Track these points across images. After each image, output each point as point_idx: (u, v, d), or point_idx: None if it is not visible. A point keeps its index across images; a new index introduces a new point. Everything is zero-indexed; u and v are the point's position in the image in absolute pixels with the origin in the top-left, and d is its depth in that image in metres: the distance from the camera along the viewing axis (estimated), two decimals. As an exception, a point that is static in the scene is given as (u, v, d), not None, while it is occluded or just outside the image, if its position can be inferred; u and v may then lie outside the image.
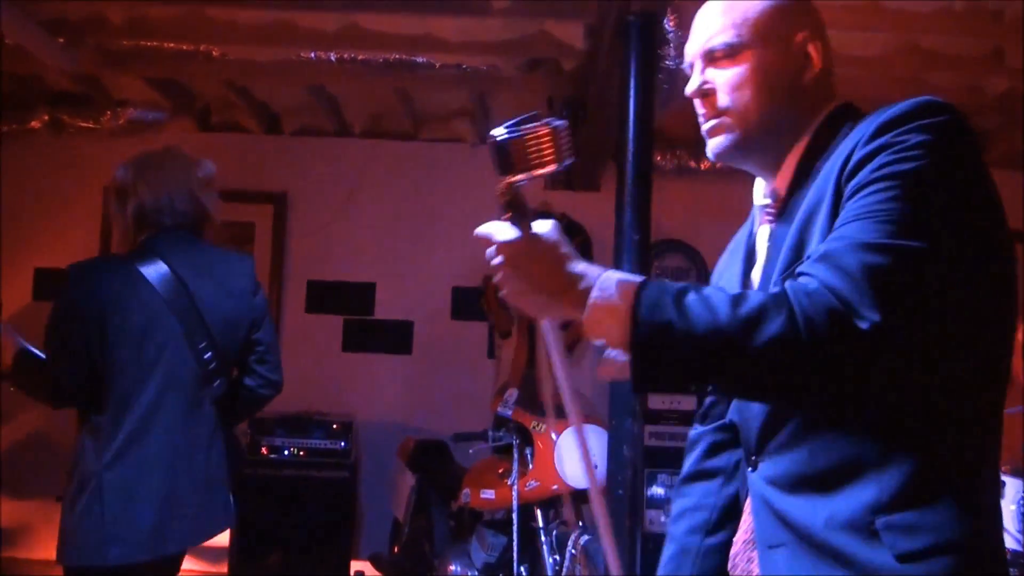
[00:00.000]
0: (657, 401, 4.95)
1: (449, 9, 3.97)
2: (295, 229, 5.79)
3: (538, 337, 1.42)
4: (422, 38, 4.31)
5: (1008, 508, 3.43)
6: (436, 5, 3.93)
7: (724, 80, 1.47)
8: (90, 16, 4.29)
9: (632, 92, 3.31)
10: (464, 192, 5.76)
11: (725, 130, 1.48)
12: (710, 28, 1.49)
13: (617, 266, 3.34)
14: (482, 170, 5.83)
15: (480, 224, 1.35)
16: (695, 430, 1.70)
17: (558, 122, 1.32)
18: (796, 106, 1.46)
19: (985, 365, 1.31)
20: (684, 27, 3.70)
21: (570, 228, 5.66)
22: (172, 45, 4.43)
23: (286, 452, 5.04)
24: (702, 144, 1.54)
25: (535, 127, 1.30)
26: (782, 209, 1.46)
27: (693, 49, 1.52)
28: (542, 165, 1.31)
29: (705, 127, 1.50)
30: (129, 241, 2.87)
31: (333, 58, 4.46)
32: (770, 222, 1.50)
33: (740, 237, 1.63)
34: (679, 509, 1.67)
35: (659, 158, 5.12)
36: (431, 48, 4.38)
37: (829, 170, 1.34)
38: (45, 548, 5.32)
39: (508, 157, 1.31)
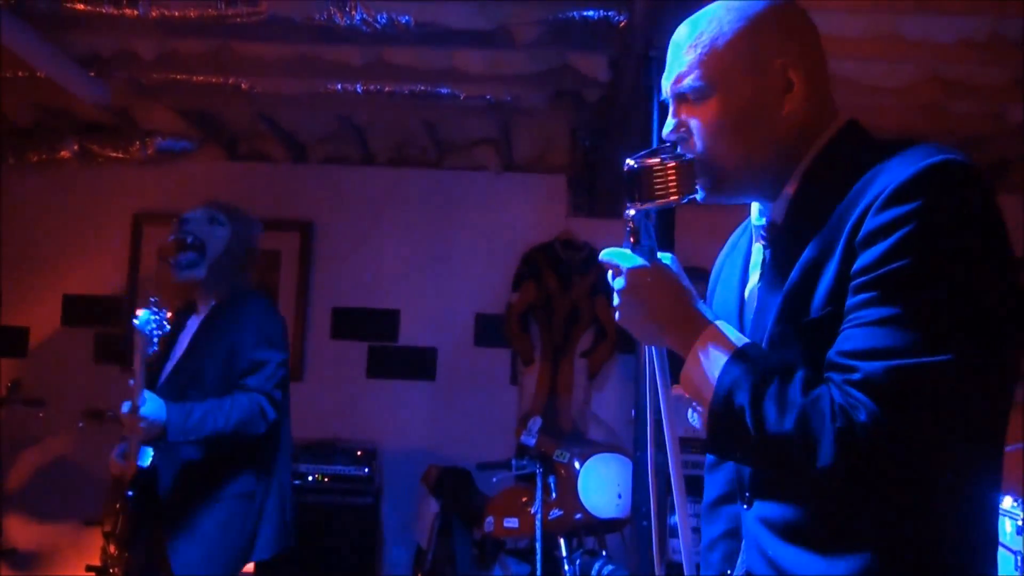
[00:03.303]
0: (678, 427, 4.95)
1: (474, 43, 4.01)
2: (321, 256, 5.84)
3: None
4: (447, 71, 4.37)
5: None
6: (461, 39, 3.98)
7: (696, 124, 1.42)
8: (121, 51, 4.36)
9: (655, 126, 3.34)
10: (487, 220, 5.81)
11: (705, 174, 1.43)
12: (678, 66, 1.43)
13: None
14: (505, 198, 5.91)
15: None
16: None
17: (687, 157, 1.40)
18: (782, 138, 1.40)
19: (993, 441, 1.31)
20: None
21: (592, 255, 5.69)
22: (201, 78, 4.51)
23: (310, 478, 5.07)
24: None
25: (665, 160, 1.40)
26: (779, 235, 1.43)
27: (665, 87, 1.47)
28: (667, 195, 1.39)
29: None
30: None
31: (359, 90, 4.52)
32: (765, 247, 1.48)
33: (739, 245, 1.62)
34: (710, 537, 1.58)
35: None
36: (456, 80, 4.43)
37: (838, 220, 1.29)
38: (70, 570, 5.37)
39: (639, 184, 1.39)
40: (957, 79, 4.24)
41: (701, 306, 1.38)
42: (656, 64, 3.32)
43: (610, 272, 1.42)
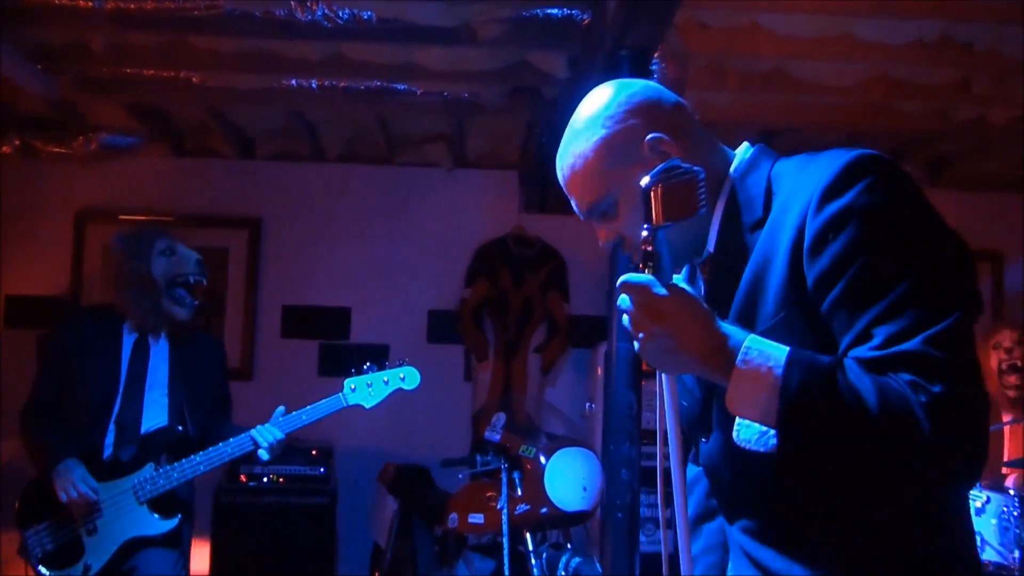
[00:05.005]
0: (644, 421, 5.00)
1: (435, 39, 4.00)
2: (270, 254, 5.77)
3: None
4: (406, 67, 4.34)
5: (990, 522, 3.55)
6: (423, 36, 3.96)
7: (623, 225, 1.50)
8: (72, 43, 4.25)
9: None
10: (439, 216, 5.80)
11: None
12: (579, 196, 1.53)
13: (610, 293, 3.40)
14: (457, 195, 5.88)
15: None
16: (692, 470, 1.64)
17: (700, 171, 1.34)
18: None
19: None
20: (668, 59, 3.79)
21: (545, 251, 5.72)
22: (152, 72, 4.41)
23: (265, 479, 5.01)
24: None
25: (684, 175, 1.32)
26: (715, 264, 1.49)
27: (582, 217, 1.56)
28: (686, 213, 1.33)
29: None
30: None
31: (315, 85, 4.47)
32: (702, 280, 1.53)
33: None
34: (693, 553, 1.63)
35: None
36: (414, 76, 4.41)
37: (772, 233, 1.36)
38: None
39: (659, 203, 1.32)
40: (906, 79, 4.36)
41: (725, 327, 1.31)
42: (626, 63, 3.35)
43: (624, 296, 1.33)
